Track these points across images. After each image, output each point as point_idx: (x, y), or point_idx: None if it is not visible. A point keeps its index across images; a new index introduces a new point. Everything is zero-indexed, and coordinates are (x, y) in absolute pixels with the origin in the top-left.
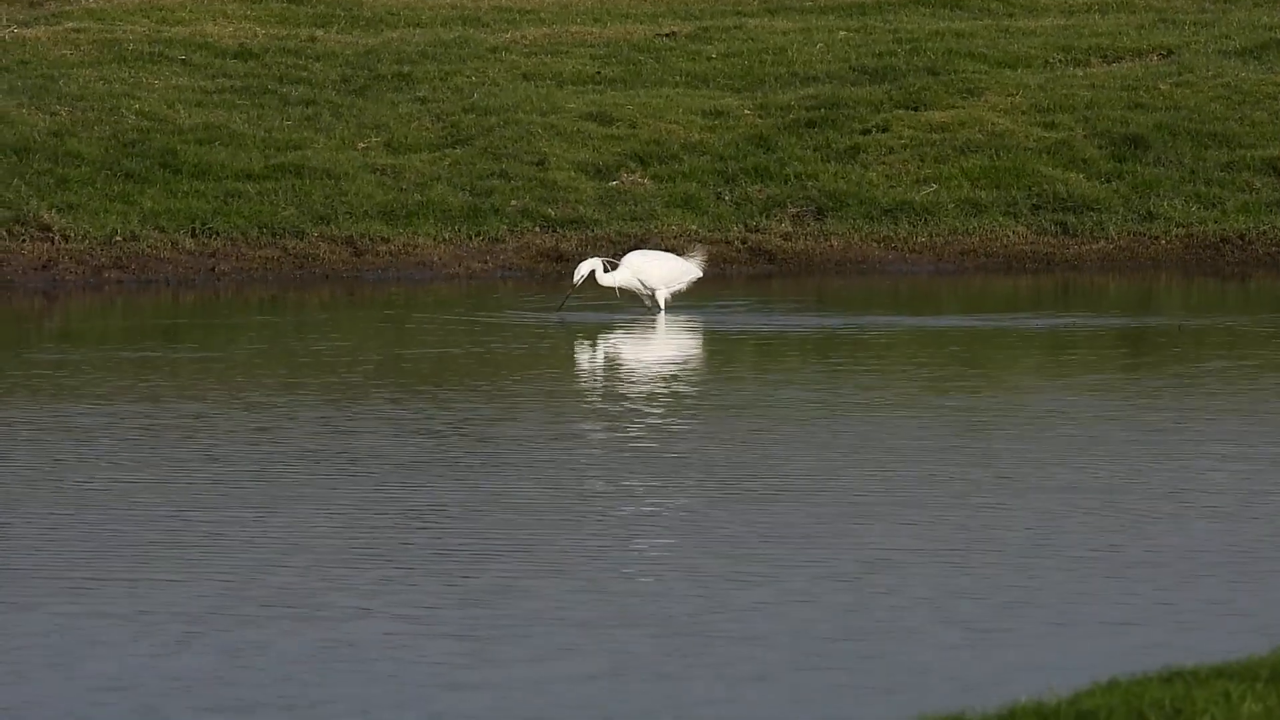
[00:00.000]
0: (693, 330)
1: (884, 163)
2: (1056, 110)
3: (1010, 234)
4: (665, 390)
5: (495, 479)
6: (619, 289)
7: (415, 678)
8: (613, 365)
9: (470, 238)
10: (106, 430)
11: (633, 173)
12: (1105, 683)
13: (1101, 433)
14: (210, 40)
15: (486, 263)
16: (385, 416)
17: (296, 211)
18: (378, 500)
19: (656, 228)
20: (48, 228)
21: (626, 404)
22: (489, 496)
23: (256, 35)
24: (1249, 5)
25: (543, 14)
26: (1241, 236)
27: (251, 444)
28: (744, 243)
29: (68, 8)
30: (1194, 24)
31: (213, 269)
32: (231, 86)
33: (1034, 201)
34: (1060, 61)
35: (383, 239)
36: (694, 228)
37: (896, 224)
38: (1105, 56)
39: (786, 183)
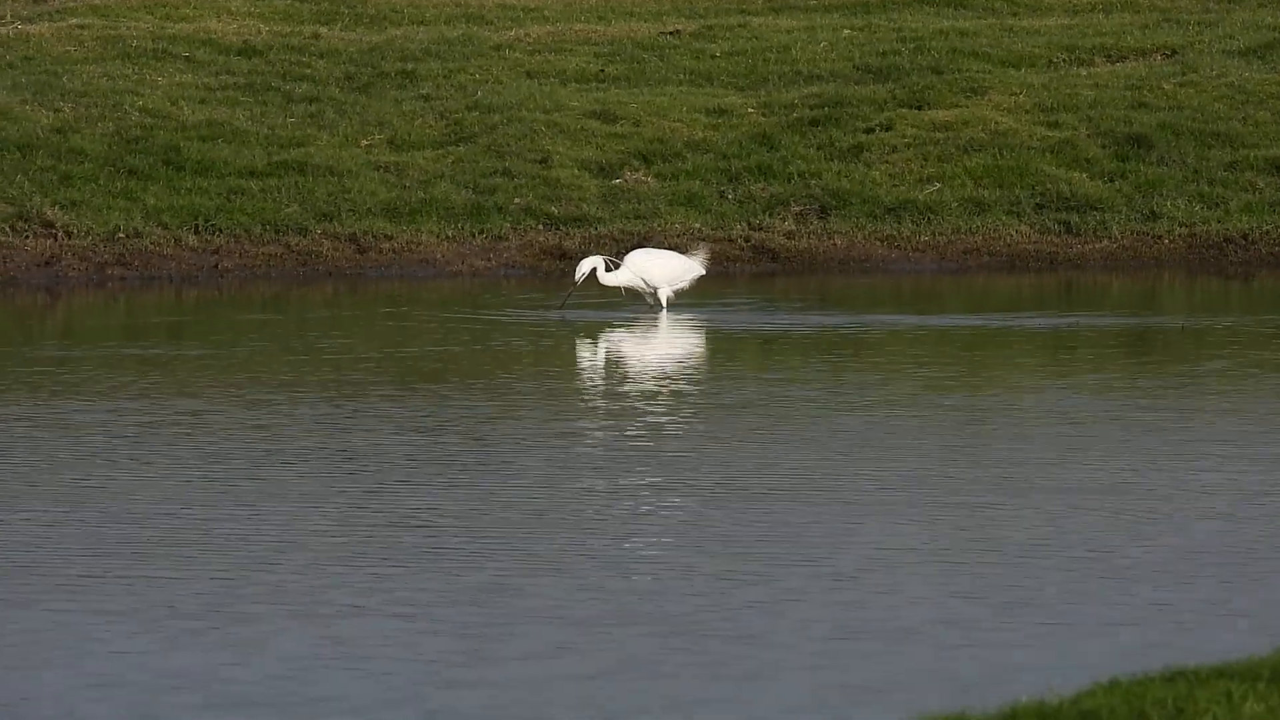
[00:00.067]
0: (694, 329)
1: (887, 161)
2: (1060, 109)
3: (1013, 233)
4: (665, 389)
5: (494, 477)
6: (622, 288)
7: (412, 676)
8: (613, 363)
9: (473, 235)
10: (105, 427)
11: (636, 171)
12: (1107, 682)
13: (1102, 432)
14: (214, 37)
15: (490, 260)
16: (385, 414)
17: (300, 209)
18: (376, 498)
19: (660, 226)
20: (51, 224)
21: (626, 402)
22: (487, 494)
23: (260, 32)
24: (1253, 5)
25: (547, 12)
26: (1244, 236)
27: (250, 441)
28: (747, 241)
29: (71, 4)
30: (1198, 24)
31: (216, 266)
32: (235, 83)
33: (1037, 201)
34: (1064, 61)
35: (386, 236)
36: (697, 226)
37: (900, 223)
38: (1109, 56)
39: (790, 181)
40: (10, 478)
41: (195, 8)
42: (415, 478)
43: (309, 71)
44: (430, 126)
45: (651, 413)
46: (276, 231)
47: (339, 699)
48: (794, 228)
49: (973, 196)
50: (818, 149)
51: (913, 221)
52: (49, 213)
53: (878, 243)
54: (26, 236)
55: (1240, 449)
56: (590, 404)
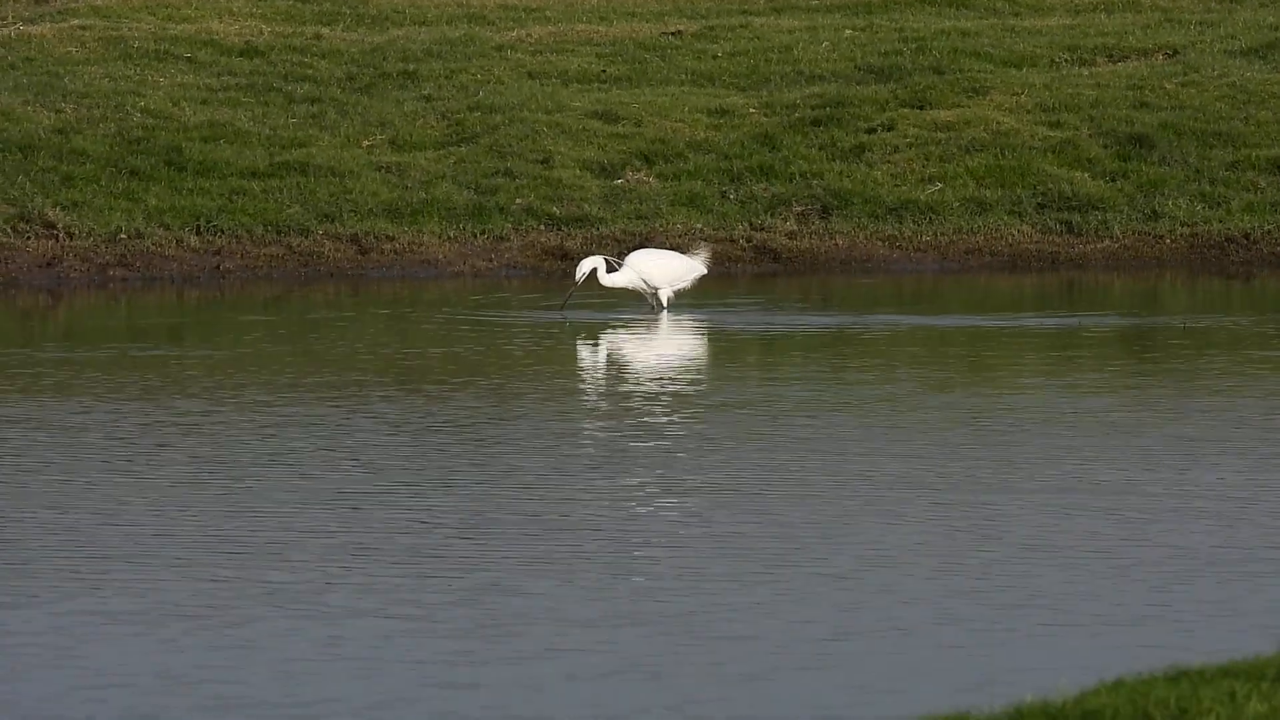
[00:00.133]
0: (696, 329)
1: (889, 161)
2: (1062, 109)
3: (1015, 233)
4: (665, 389)
5: (493, 477)
6: (623, 288)
7: (412, 676)
8: (614, 364)
9: (475, 236)
10: (106, 427)
11: (638, 171)
12: (1111, 682)
13: (1103, 432)
14: (216, 38)
15: (491, 261)
16: (385, 414)
17: (301, 209)
18: (376, 498)
19: (661, 226)
20: (52, 225)
21: (626, 403)
22: (487, 494)
23: (262, 33)
24: (1255, 5)
25: (548, 12)
26: (1246, 236)
27: (251, 441)
28: (749, 241)
29: (73, 5)
30: (1199, 23)
31: (217, 267)
32: (237, 84)
33: (1039, 200)
34: (1066, 61)
35: (387, 237)
36: (699, 226)
37: (901, 223)
38: (1111, 56)
39: (791, 181)
40: (11, 478)
41: (197, 8)
42: (415, 478)
43: (311, 72)
44: (432, 127)
45: (651, 413)
46: (278, 232)
47: (339, 699)
48: (796, 228)
49: (974, 196)
50: (819, 149)
51: (914, 221)
52: (50, 214)
53: (879, 243)
54: (28, 237)
55: (1241, 449)
56: (590, 404)
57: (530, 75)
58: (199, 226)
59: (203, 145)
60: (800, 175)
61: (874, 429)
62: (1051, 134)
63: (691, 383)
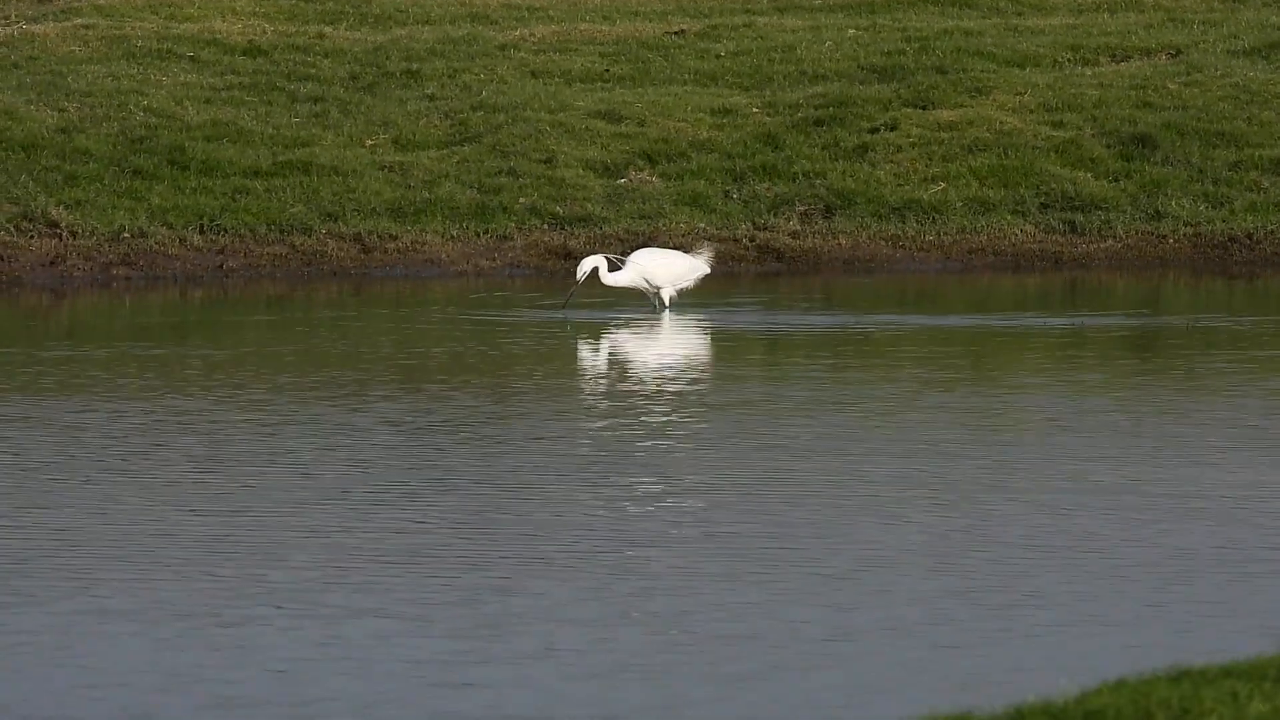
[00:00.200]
0: (698, 328)
1: (892, 161)
2: (1065, 109)
3: (1018, 232)
4: (666, 389)
5: (493, 477)
6: (626, 287)
7: (412, 676)
8: (615, 363)
9: (478, 235)
10: (106, 427)
11: (641, 170)
12: (1113, 682)
13: (1104, 432)
14: (219, 37)
15: (494, 260)
16: (385, 414)
17: (305, 208)
18: (376, 497)
19: (665, 226)
20: (55, 224)
21: (627, 403)
22: (487, 494)
23: (265, 32)
24: (1258, 4)
25: (552, 11)
26: (1249, 236)
27: (251, 441)
28: (752, 241)
29: (76, 4)
30: (1203, 23)
31: (221, 266)
32: (240, 83)
33: (1042, 200)
34: (1069, 60)
35: (391, 236)
36: (702, 226)
37: (904, 222)
38: (1114, 56)
39: (795, 181)
40: (11, 478)
41: (200, 7)
42: (414, 477)
43: (314, 71)
44: (435, 126)
45: (652, 413)
46: (281, 231)
47: (339, 699)
48: (799, 227)
49: (977, 196)
50: (823, 149)
51: (917, 221)
52: (54, 213)
53: (882, 242)
54: (31, 236)
55: (1241, 448)
56: (590, 404)
57: (533, 75)
58: (202, 226)
59: (206, 144)
60: (803, 175)
61: (874, 429)
62: (1054, 134)
63: (692, 382)
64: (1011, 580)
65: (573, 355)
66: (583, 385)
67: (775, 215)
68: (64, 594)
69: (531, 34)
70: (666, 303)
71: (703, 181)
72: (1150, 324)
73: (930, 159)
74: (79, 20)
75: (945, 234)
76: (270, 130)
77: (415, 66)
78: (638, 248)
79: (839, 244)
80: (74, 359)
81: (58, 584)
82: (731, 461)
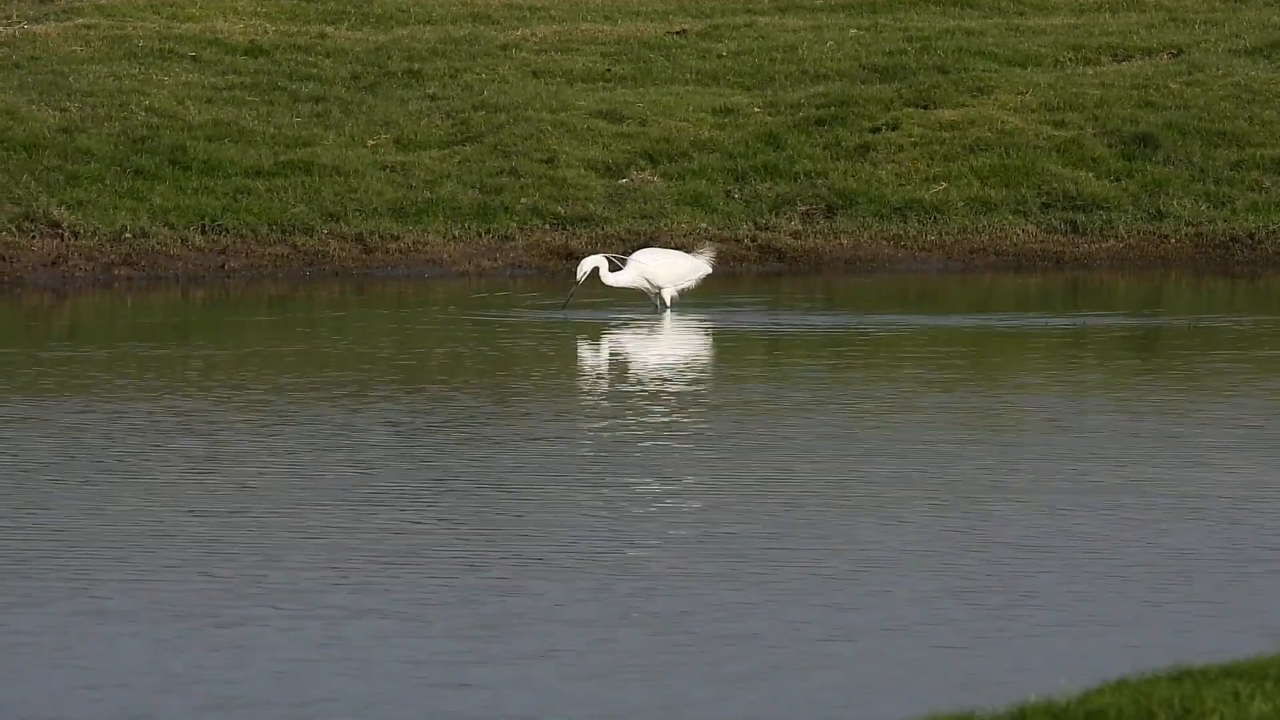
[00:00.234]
0: (699, 328)
1: (894, 161)
2: (1066, 109)
3: (1019, 232)
4: (667, 389)
5: (493, 477)
6: (627, 287)
7: (412, 676)
8: (616, 363)
9: (480, 235)
10: (106, 427)
11: (643, 170)
12: (1114, 681)
13: (1104, 432)
14: (220, 37)
15: (496, 260)
16: (386, 414)
17: (306, 208)
18: (375, 497)
19: (666, 225)
20: (57, 224)
21: (627, 403)
22: (487, 494)
23: (267, 32)
24: (1260, 4)
25: (553, 11)
26: (1251, 235)
27: (251, 441)
28: (753, 241)
29: (78, 4)
30: (1204, 23)
31: (222, 266)
32: (241, 83)
33: (1043, 200)
34: (1070, 60)
35: (392, 236)
36: (703, 226)
37: (906, 222)
38: (1115, 55)
39: (796, 181)
40: (11, 478)
41: (201, 7)
42: (415, 478)
43: (315, 71)
44: (437, 126)
45: (652, 413)
46: (283, 231)
47: (338, 699)
48: (800, 227)
49: (979, 196)
50: (824, 148)
51: (919, 221)
52: (55, 213)
53: (884, 242)
54: (33, 236)
55: (1241, 448)
56: (591, 404)
57: (535, 74)
58: (204, 225)
59: (207, 144)
60: (805, 175)
61: (874, 429)
62: (1056, 133)
63: (692, 383)
64: (1011, 580)
65: (573, 355)
66: (583, 385)
67: (777, 215)
68: (63, 595)
69: (533, 34)
70: (668, 303)
71: (704, 181)
72: (1151, 324)
73: (932, 159)
74: (80, 20)
75: (947, 234)
76: (272, 130)
77: (417, 66)
78: (639, 247)
79: (840, 244)
80: (75, 359)
81: (57, 585)
82: (731, 462)
